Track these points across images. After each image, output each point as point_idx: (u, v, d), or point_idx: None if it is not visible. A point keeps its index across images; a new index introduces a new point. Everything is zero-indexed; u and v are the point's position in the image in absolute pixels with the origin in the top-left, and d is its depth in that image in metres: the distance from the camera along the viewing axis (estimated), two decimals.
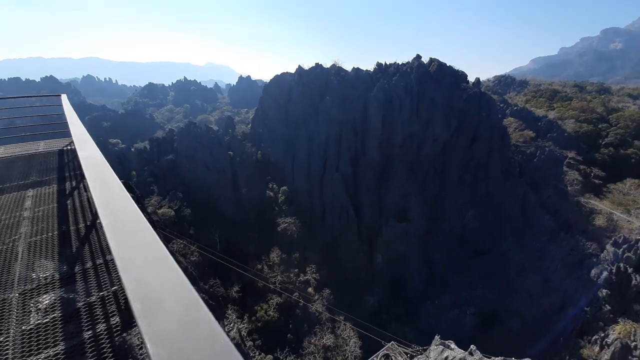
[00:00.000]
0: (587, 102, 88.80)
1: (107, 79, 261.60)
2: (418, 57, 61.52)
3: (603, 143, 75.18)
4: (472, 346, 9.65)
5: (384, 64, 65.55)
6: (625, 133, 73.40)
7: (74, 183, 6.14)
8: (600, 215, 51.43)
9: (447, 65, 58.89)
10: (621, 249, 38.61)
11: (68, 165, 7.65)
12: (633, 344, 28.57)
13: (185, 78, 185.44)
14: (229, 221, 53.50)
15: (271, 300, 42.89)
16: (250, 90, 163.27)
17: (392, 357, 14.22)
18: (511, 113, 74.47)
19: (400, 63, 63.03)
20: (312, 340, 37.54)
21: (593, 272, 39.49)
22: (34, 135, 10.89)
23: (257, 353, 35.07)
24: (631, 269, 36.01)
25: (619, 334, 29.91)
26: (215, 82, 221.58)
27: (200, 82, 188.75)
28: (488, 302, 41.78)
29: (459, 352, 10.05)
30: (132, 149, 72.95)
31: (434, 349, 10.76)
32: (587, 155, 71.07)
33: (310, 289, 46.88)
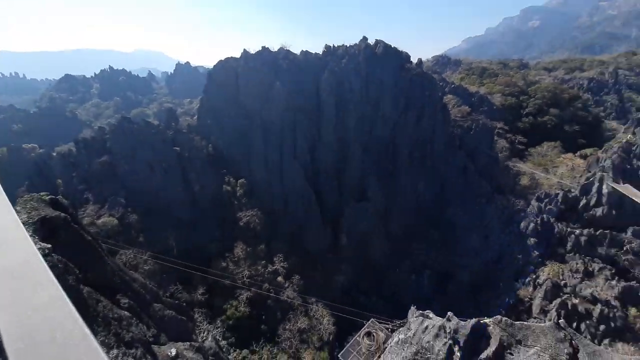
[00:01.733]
0: (510, 78, 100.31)
1: (13, 74, 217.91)
2: (365, 39, 62.31)
3: (524, 113, 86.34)
4: (449, 313, 10.53)
5: (332, 46, 65.11)
6: (542, 103, 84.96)
7: None
8: (525, 176, 59.76)
9: (392, 46, 60.74)
10: (543, 203, 45.57)
11: None
12: (562, 282, 34.42)
13: (110, 67, 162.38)
14: (184, 223, 49.97)
15: (240, 296, 41.97)
16: (190, 78, 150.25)
17: (374, 334, 14.96)
18: (450, 90, 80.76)
19: (348, 45, 63.21)
20: (287, 327, 38.07)
21: (522, 224, 46.16)
22: None
23: (232, 350, 34.44)
24: (553, 218, 42.73)
25: (549, 274, 35.67)
26: (149, 71, 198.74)
27: (130, 72, 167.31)
28: (441, 263, 46.61)
29: (437, 320, 10.86)
30: (54, 154, 62.52)
31: (414, 320, 11.48)
32: (512, 125, 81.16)
33: (279, 278, 46.87)
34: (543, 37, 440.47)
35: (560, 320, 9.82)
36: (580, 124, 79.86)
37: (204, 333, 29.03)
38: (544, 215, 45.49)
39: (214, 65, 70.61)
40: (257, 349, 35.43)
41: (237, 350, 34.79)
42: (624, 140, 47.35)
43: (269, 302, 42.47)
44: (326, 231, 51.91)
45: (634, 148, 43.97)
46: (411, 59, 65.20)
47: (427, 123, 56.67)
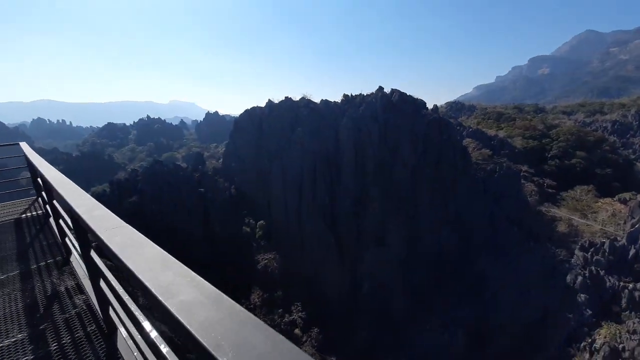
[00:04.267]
0: (529, 121, 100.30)
1: (60, 121, 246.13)
2: (380, 88, 66.09)
3: (549, 156, 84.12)
4: None
5: (350, 95, 69.31)
6: (566, 145, 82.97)
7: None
8: (561, 222, 55.62)
9: (407, 94, 63.75)
10: (589, 253, 41.43)
11: (38, 241, 5.88)
12: (621, 345, 29.55)
13: (148, 116, 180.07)
14: (202, 263, 49.43)
15: None
16: (218, 126, 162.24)
17: None
18: (467, 134, 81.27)
19: (365, 94, 67.06)
20: None
21: (568, 278, 41.52)
22: None
23: None
24: (603, 271, 38.38)
25: (605, 337, 30.89)
26: (181, 119, 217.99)
27: (165, 120, 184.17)
28: (474, 321, 41.68)
29: None
30: (90, 192, 66.69)
31: None
32: (537, 168, 78.73)
33: (297, 330, 43.65)
34: (555, 83, 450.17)
35: None
36: (612, 166, 76.25)
37: None
38: (592, 267, 40.91)
39: (241, 114, 76.51)
40: None
41: None
42: None
43: None
44: (345, 278, 49.23)
45: None
46: (427, 106, 67.64)
47: (447, 166, 56.17)
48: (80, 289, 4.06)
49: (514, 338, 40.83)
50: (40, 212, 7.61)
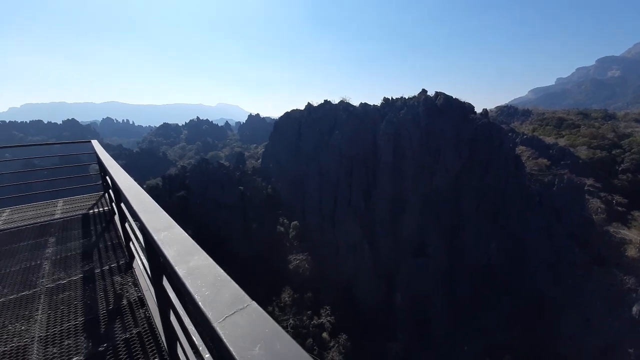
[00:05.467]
0: (596, 129, 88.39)
1: (125, 121, 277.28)
2: (424, 91, 63.38)
3: (620, 169, 73.07)
4: None
5: (390, 98, 67.58)
6: None
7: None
8: (632, 246, 47.85)
9: (454, 98, 60.19)
10: None
11: (110, 240, 5.73)
12: None
13: (198, 118, 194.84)
14: (239, 259, 51.61)
15: None
16: (259, 127, 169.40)
17: None
18: (521, 142, 74.06)
19: (406, 97, 64.85)
20: None
21: (634, 309, 35.62)
22: (51, 192, 8.57)
23: None
24: None
25: None
26: (226, 121, 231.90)
27: (212, 121, 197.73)
28: (527, 347, 37.39)
29: None
30: (144, 186, 73.90)
31: None
32: (605, 182, 68.72)
33: (324, 334, 43.19)
34: (626, 87, 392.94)
35: None
36: None
37: None
38: None
39: (280, 116, 78.89)
40: None
41: None
42: None
43: None
44: (379, 286, 47.63)
45: None
46: (475, 110, 63.15)
47: (496, 175, 51.69)
48: (142, 302, 3.73)
49: None
50: (107, 208, 7.51)
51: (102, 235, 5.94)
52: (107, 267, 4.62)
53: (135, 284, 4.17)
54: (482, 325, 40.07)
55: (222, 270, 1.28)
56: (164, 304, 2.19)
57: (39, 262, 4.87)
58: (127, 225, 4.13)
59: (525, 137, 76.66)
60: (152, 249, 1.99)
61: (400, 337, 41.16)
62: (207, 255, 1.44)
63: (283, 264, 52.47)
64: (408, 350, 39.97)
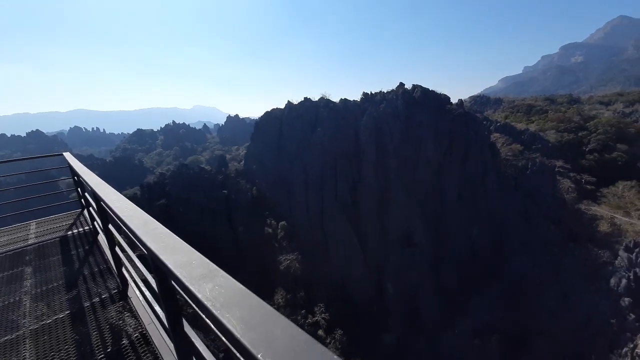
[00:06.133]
0: (563, 113, 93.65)
1: (95, 129, 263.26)
2: (401, 84, 64.41)
3: (587, 150, 77.93)
4: None
5: (369, 93, 68.17)
6: (606, 138, 76.58)
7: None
8: (603, 221, 51.28)
9: (430, 90, 61.61)
10: (634, 254, 37.92)
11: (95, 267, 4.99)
12: None
13: (173, 122, 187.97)
14: (228, 264, 50.55)
15: None
16: (239, 128, 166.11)
17: None
18: (495, 129, 77.22)
19: (385, 91, 65.66)
20: None
21: (612, 281, 38.25)
22: (20, 213, 7.80)
23: None
24: None
25: None
26: (204, 124, 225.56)
27: (189, 125, 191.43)
28: (511, 325, 39.31)
29: None
30: None
31: None
32: (574, 163, 73.14)
33: (320, 332, 43.40)
34: (589, 72, 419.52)
35: None
36: None
37: None
38: (638, 269, 37.41)
39: (261, 116, 77.62)
40: None
41: None
42: None
43: None
44: (370, 279, 48.33)
45: None
46: (451, 101, 65.02)
47: (475, 162, 53.61)
48: (146, 340, 3.17)
49: (553, 344, 38.11)
50: (87, 228, 6.71)
51: (86, 260, 5.28)
52: (97, 299, 3.99)
53: (135, 316, 3.56)
54: (469, 309, 41.70)
55: (243, 287, 1.08)
56: (187, 349, 1.77)
57: (17, 297, 4.20)
58: (117, 249, 3.60)
59: (498, 124, 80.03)
60: (168, 290, 1.63)
61: (393, 326, 42.07)
62: (226, 275, 1.19)
63: (273, 265, 51.98)
64: (400, 338, 40.94)
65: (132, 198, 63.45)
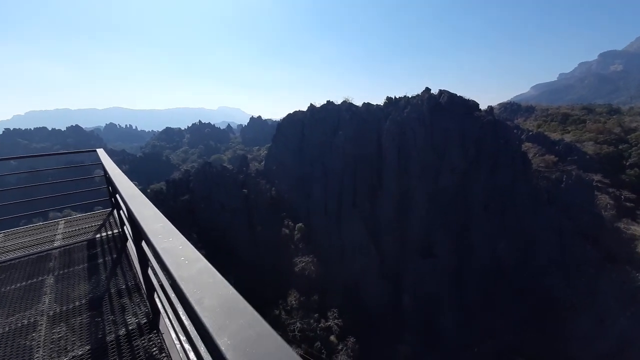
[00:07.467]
0: (602, 124, 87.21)
1: (128, 126, 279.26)
2: (427, 89, 62.86)
3: (627, 164, 71.95)
4: None
5: (393, 97, 67.13)
6: None
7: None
8: None
9: (458, 95, 59.62)
10: None
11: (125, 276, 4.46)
12: None
13: (200, 121, 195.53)
14: (245, 262, 51.34)
15: None
16: (261, 129, 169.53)
17: None
18: (527, 138, 73.23)
19: (410, 96, 64.36)
20: None
21: None
22: (55, 208, 7.04)
23: None
24: None
25: None
26: (228, 124, 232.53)
27: (214, 125, 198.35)
28: (538, 349, 36.67)
29: None
30: (148, 190, 73.97)
31: None
32: (613, 178, 67.67)
33: (332, 337, 42.74)
34: (629, 81, 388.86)
35: None
36: None
37: None
38: None
39: (283, 118, 78.65)
40: None
41: None
42: None
43: None
44: (386, 288, 47.10)
45: None
46: (479, 107, 62.50)
47: (504, 173, 51.02)
48: None
49: None
50: (117, 231, 6.21)
51: (114, 273, 4.70)
52: (123, 330, 3.35)
53: (167, 354, 2.93)
54: (492, 327, 39.39)
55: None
56: None
57: (32, 319, 3.65)
58: (149, 271, 3.02)
59: (530, 133, 75.81)
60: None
61: (409, 339, 40.60)
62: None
63: (289, 266, 52.11)
64: (416, 352, 39.39)
65: (159, 192, 66.32)
